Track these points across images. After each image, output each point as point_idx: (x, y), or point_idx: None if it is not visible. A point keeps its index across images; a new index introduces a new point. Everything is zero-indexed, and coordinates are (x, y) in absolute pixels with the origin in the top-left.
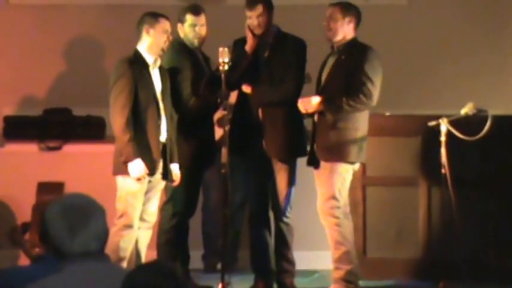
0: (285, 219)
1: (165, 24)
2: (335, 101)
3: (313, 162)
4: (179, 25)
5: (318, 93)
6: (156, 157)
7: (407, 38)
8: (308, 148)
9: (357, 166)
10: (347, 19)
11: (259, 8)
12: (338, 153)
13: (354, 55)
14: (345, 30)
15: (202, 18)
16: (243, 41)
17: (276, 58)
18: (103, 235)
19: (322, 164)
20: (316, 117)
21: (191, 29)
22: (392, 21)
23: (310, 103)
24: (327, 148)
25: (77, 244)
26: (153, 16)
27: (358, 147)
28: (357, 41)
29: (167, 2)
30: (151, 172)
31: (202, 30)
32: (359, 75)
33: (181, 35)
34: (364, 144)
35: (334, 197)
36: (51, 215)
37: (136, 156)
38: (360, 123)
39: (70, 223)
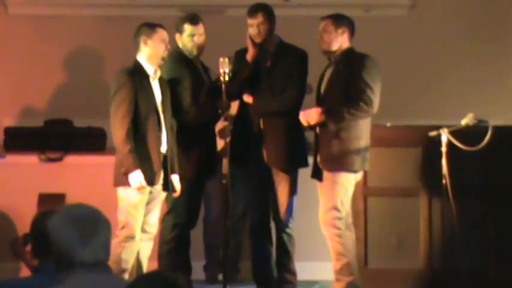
0: (286, 230)
1: (162, 34)
2: (336, 111)
3: (317, 175)
4: (177, 35)
5: (318, 104)
6: (156, 168)
7: (408, 49)
8: (311, 160)
9: (359, 175)
10: (340, 30)
11: (260, 16)
12: (341, 163)
13: (351, 64)
14: (340, 41)
15: (200, 28)
16: (245, 51)
17: (278, 68)
18: (109, 245)
19: (325, 174)
20: (318, 129)
21: (189, 38)
22: (393, 32)
23: (311, 115)
24: (330, 158)
25: (87, 253)
26: (150, 26)
27: (362, 156)
28: (353, 50)
29: (166, 13)
30: (152, 183)
31: (201, 40)
32: (358, 83)
33: (180, 45)
34: (367, 153)
35: (335, 208)
36: (59, 225)
37: (136, 167)
38: (363, 131)
39: (81, 232)
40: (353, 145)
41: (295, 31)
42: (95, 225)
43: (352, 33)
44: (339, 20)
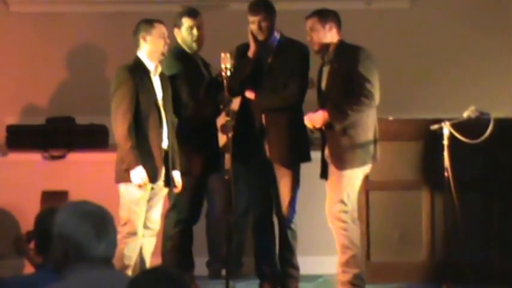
0: (290, 225)
1: (160, 29)
2: (339, 110)
3: (325, 174)
4: (176, 30)
5: (320, 103)
6: (158, 164)
7: (410, 41)
8: (314, 155)
9: (367, 168)
10: (327, 26)
11: (262, 13)
12: (351, 159)
13: (345, 60)
14: (329, 38)
15: (198, 21)
16: (246, 46)
17: (279, 64)
18: (117, 243)
19: (332, 168)
20: (324, 129)
21: (188, 32)
22: (394, 25)
23: (316, 118)
24: (339, 155)
25: (102, 248)
26: (148, 23)
27: (371, 150)
28: (343, 43)
29: (168, 9)
30: (154, 179)
31: (200, 33)
32: (356, 78)
33: (179, 40)
34: (377, 146)
35: (342, 201)
36: (72, 219)
37: (138, 164)
38: (370, 125)
39: (96, 227)
40: (362, 140)
41: (296, 25)
42: (105, 221)
43: (339, 26)
44: (325, 16)
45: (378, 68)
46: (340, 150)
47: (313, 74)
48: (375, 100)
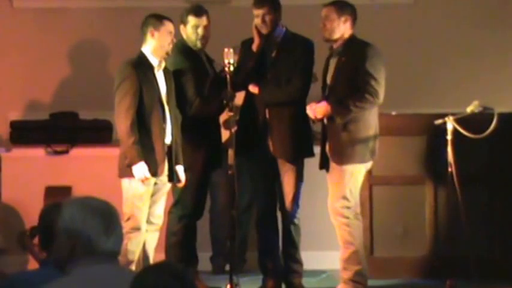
0: (293, 220)
1: (169, 27)
2: (343, 104)
3: (325, 166)
4: (181, 26)
5: (324, 96)
6: (161, 159)
7: (414, 37)
8: (318, 150)
9: (369, 164)
10: (343, 18)
11: (266, 7)
12: (351, 155)
13: (354, 55)
14: (342, 30)
15: (204, 20)
16: (251, 41)
17: (284, 58)
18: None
19: (334, 164)
20: (325, 121)
21: (193, 30)
22: (398, 20)
23: (318, 109)
24: (339, 151)
25: (111, 243)
26: (158, 18)
27: (371, 146)
28: (355, 38)
29: (171, 4)
30: (156, 174)
31: (205, 32)
32: (362, 75)
33: (184, 36)
34: (377, 142)
35: (344, 197)
36: (81, 214)
37: (140, 159)
38: (371, 122)
39: (104, 222)
40: (362, 136)
41: (301, 20)
42: (112, 216)
43: (354, 21)
44: (342, 8)
45: (385, 65)
46: (340, 145)
47: (317, 68)
48: (380, 98)
